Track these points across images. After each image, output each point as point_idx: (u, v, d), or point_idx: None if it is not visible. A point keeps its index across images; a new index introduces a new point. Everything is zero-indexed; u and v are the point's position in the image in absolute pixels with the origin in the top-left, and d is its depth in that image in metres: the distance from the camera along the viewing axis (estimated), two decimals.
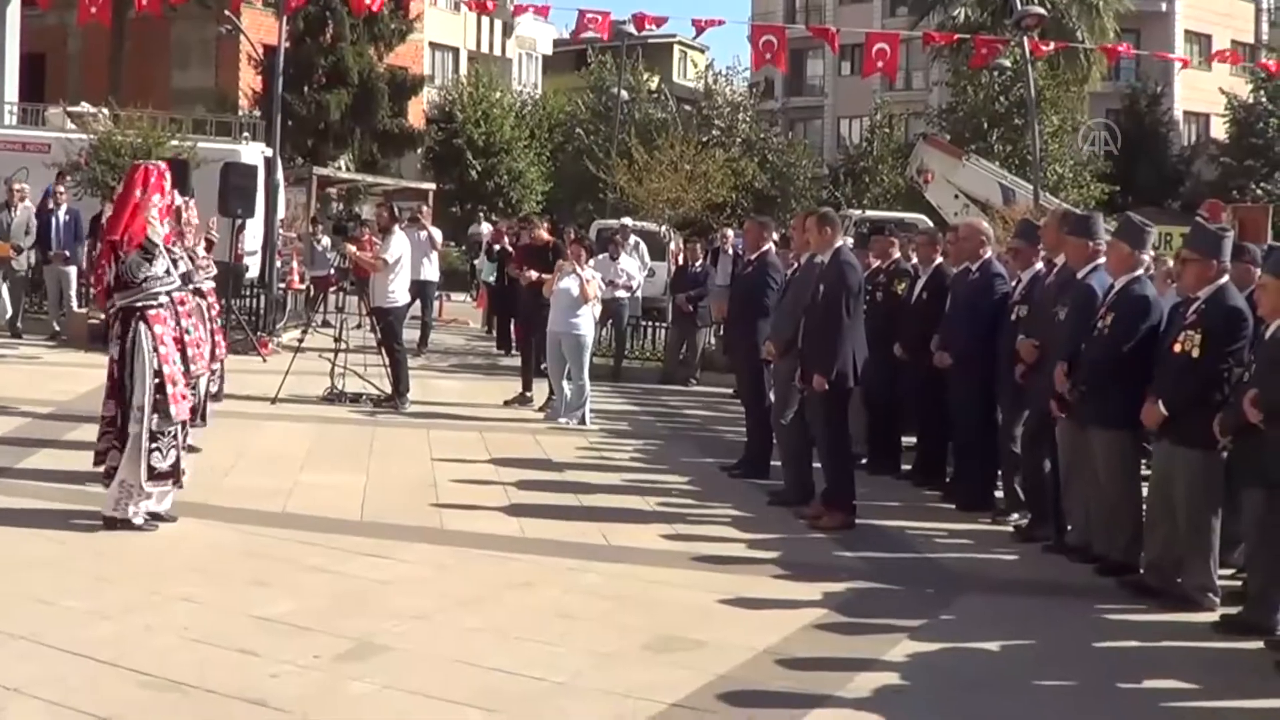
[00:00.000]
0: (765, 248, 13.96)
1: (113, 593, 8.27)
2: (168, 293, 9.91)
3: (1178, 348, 9.06)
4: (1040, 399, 10.66)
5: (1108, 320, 9.70)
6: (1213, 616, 8.80)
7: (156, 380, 9.60)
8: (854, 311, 11.43)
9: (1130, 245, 9.89)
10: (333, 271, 27.43)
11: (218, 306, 14.48)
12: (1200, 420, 8.78)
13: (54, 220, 21.98)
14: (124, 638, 7.36)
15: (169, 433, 9.69)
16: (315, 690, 6.74)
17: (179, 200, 12.88)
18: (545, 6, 30.18)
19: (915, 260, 14.32)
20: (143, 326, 9.67)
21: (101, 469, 10.04)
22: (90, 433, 10.56)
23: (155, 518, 9.89)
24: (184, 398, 9.86)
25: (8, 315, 22.21)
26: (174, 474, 9.78)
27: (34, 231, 21.94)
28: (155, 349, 9.62)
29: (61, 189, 22.53)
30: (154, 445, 9.60)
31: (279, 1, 26.37)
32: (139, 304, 9.70)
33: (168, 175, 10.21)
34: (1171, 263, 11.86)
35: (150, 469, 9.59)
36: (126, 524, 9.60)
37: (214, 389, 13.74)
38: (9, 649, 7.05)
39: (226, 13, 37.12)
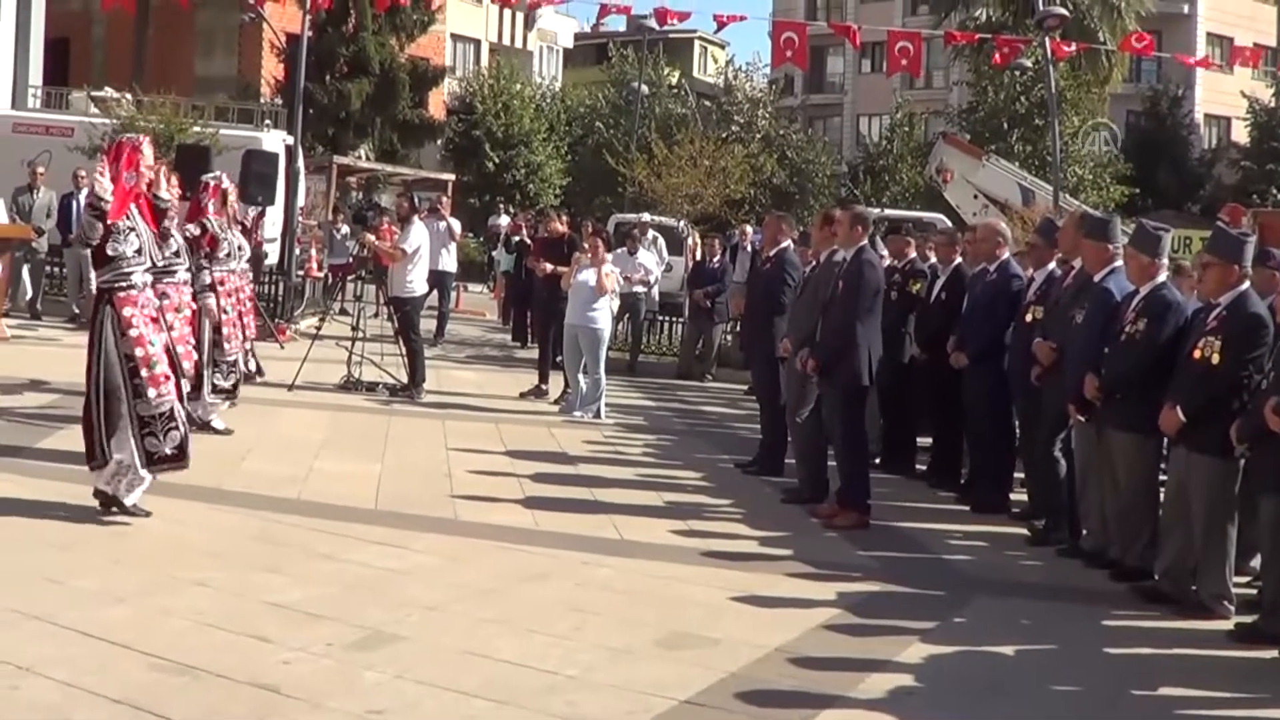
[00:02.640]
0: (783, 244, 13.95)
1: (126, 575, 8.29)
2: (146, 272, 9.66)
3: (1197, 354, 9.00)
4: (1056, 401, 10.63)
5: (1139, 325, 9.61)
6: (1227, 625, 8.75)
7: (131, 365, 9.35)
8: (872, 311, 11.41)
9: (1148, 255, 9.82)
10: (351, 260, 27.52)
11: (248, 290, 14.58)
12: (1218, 427, 8.73)
13: (75, 203, 22.01)
14: (137, 620, 7.37)
15: (161, 415, 9.47)
16: (327, 678, 6.74)
17: (226, 184, 12.96)
18: None
19: (933, 259, 14.30)
20: (109, 310, 9.41)
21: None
22: None
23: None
24: (166, 379, 9.52)
25: (28, 297, 22.32)
26: (177, 457, 9.59)
27: (55, 214, 22.03)
28: (124, 332, 9.34)
29: (84, 172, 22.58)
30: (146, 431, 9.39)
31: None
32: (109, 285, 9.46)
33: (145, 150, 9.86)
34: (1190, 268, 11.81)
35: (148, 454, 9.40)
36: (119, 504, 9.46)
37: (251, 367, 13.88)
38: (22, 629, 7.06)
39: (250, 1, 37.06)
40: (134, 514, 9.51)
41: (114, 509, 9.50)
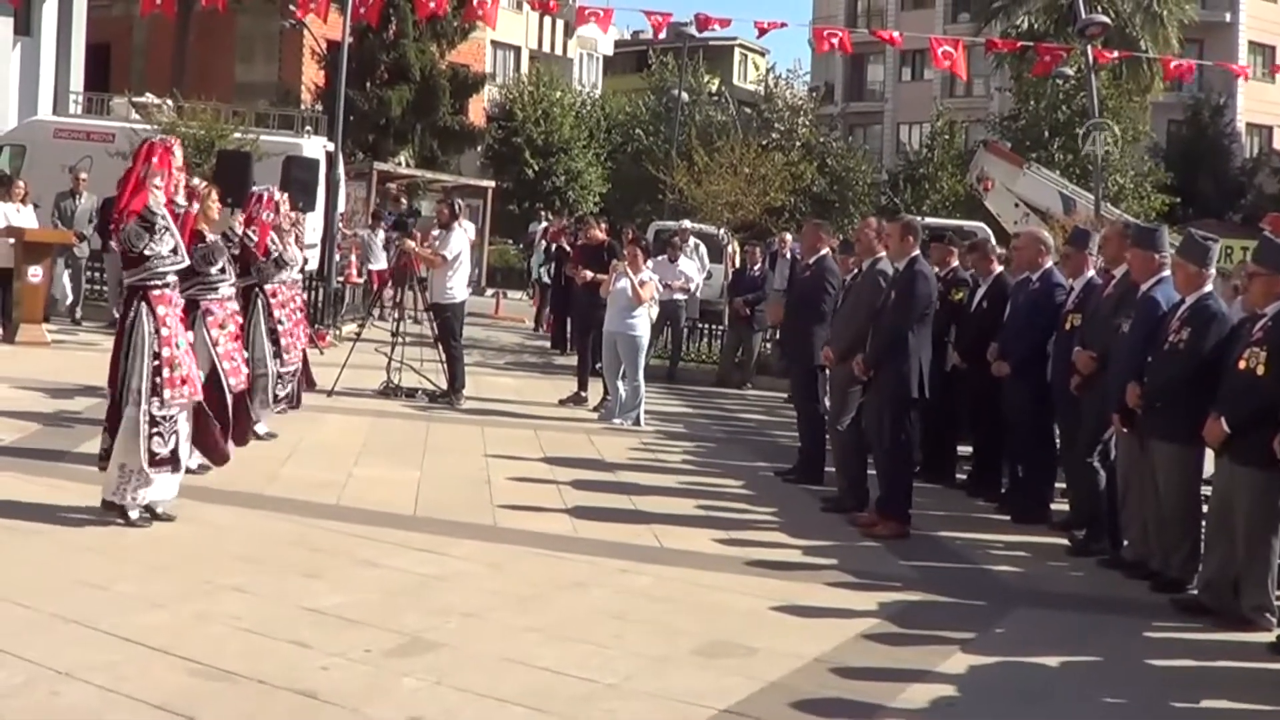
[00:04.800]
0: (822, 251, 13.89)
1: (165, 580, 8.30)
2: (176, 272, 9.68)
3: (1242, 364, 8.93)
4: (1096, 411, 10.57)
5: (1183, 335, 9.54)
6: (1269, 637, 8.68)
7: (156, 363, 9.34)
8: (924, 322, 11.38)
9: (1196, 264, 9.74)
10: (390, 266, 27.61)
11: (300, 299, 14.60)
12: (1262, 439, 8.65)
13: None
14: (176, 625, 7.38)
15: (170, 417, 9.45)
16: (365, 684, 6.74)
17: (278, 195, 12.96)
18: (609, 10, 30.30)
19: (972, 270, 14.24)
20: (144, 306, 9.40)
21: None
22: None
23: (151, 514, 9.65)
24: (183, 381, 9.52)
25: (68, 301, 22.44)
26: (174, 460, 9.53)
27: (96, 219, 22.15)
28: (156, 330, 9.34)
29: None
30: (154, 430, 9.34)
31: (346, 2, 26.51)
32: (143, 283, 9.45)
33: (176, 152, 9.83)
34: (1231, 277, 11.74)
35: (151, 454, 9.33)
36: (122, 513, 9.42)
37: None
38: (62, 633, 7.09)
39: (291, 7, 37.13)
40: (138, 525, 9.47)
41: (114, 514, 9.48)
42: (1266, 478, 8.77)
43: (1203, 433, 9.07)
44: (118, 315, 21.31)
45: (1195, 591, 9.40)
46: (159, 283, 9.49)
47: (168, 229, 9.55)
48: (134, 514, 9.48)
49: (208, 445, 10.29)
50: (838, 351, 12.13)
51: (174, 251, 9.56)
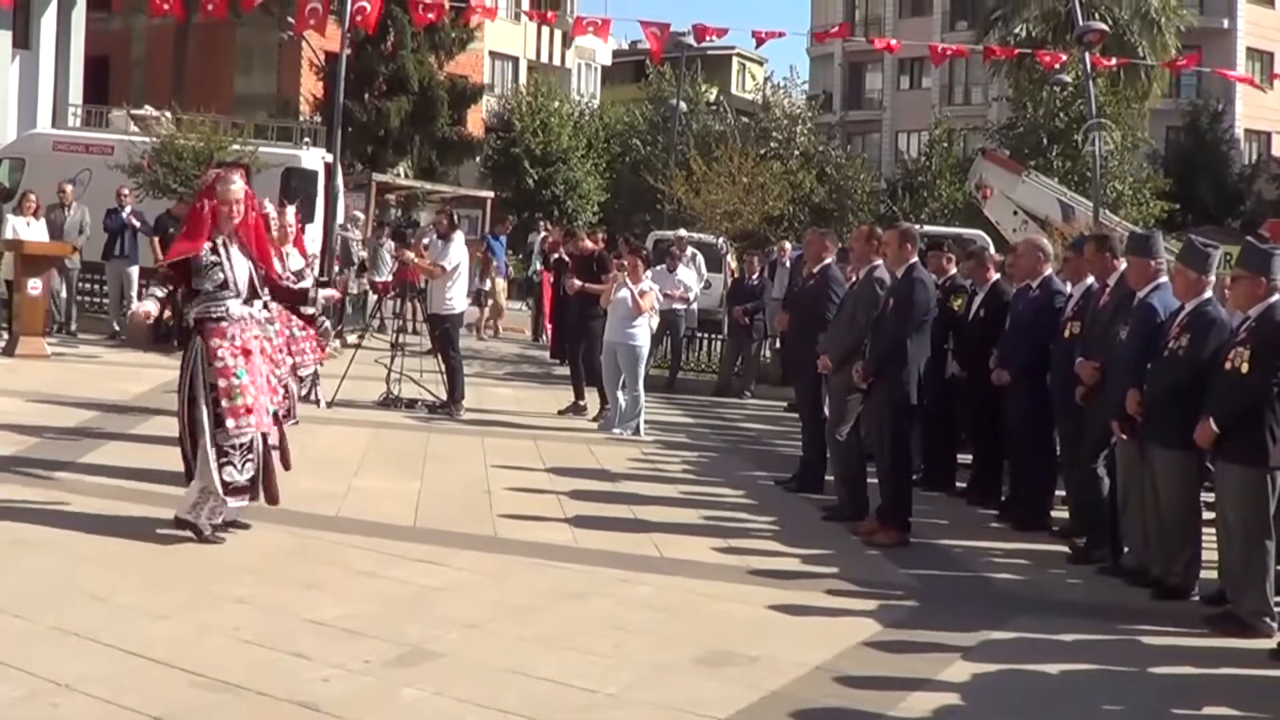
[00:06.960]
0: (827, 260, 13.87)
1: (167, 592, 8.30)
2: (243, 304, 9.69)
3: (1228, 364, 8.97)
4: (1098, 418, 10.57)
5: (1182, 341, 9.53)
6: (1269, 643, 8.66)
7: (214, 394, 9.36)
8: (923, 329, 11.39)
9: (1195, 271, 9.75)
10: (391, 277, 27.60)
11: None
12: (1251, 437, 8.70)
13: (118, 220, 22.17)
14: (177, 637, 7.38)
15: (240, 446, 9.46)
16: (366, 695, 6.74)
17: (268, 208, 12.96)
18: (606, 20, 30.31)
19: (970, 280, 14.22)
20: (198, 340, 9.50)
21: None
22: (151, 429, 10.45)
23: (232, 524, 9.79)
24: (248, 411, 9.46)
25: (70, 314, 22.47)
26: (250, 488, 9.57)
27: (87, 231, 22.17)
28: (210, 362, 9.36)
29: (126, 191, 22.75)
30: (224, 460, 9.38)
31: (342, 11, 26.44)
32: (200, 317, 9.53)
33: (236, 181, 9.81)
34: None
35: (224, 484, 9.37)
36: (195, 530, 9.47)
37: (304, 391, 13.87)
38: (63, 645, 7.09)
39: (290, 20, 37.10)
40: (212, 541, 9.51)
41: (186, 530, 9.54)
42: (1256, 475, 8.79)
43: (1194, 435, 9.07)
44: (117, 327, 21.52)
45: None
46: (216, 314, 9.53)
47: (217, 264, 9.58)
48: (207, 531, 9.55)
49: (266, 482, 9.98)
50: (834, 359, 12.15)
51: (224, 286, 9.60)
